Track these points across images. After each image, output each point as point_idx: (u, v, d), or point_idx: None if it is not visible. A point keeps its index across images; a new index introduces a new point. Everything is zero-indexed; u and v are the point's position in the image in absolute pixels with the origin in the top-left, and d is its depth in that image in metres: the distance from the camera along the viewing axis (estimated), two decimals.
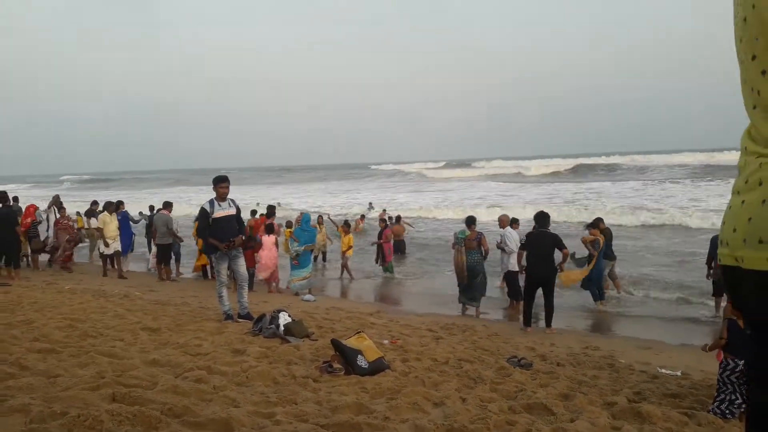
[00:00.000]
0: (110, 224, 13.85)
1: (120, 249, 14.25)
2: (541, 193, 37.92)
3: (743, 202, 1.06)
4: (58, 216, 14.83)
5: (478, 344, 7.45)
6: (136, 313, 7.88)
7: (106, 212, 14.04)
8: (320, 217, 17.39)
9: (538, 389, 5.08)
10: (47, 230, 14.79)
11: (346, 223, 15.73)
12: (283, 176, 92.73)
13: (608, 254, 11.35)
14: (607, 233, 11.48)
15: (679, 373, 6.30)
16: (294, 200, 40.24)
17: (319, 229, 15.69)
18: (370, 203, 28.87)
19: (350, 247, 14.89)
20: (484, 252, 10.63)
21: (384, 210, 21.19)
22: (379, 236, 15.35)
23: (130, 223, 15.81)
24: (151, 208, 16.91)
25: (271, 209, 14.38)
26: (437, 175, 68.93)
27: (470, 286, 10.65)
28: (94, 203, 17.34)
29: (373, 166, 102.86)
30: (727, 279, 1.16)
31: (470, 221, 10.90)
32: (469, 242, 10.63)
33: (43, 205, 16.62)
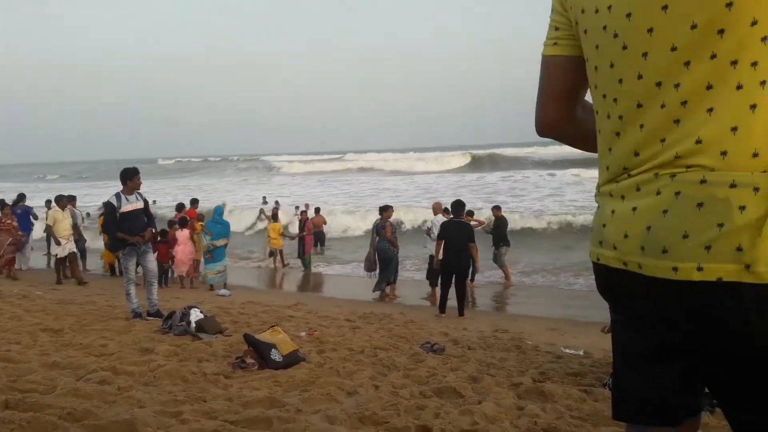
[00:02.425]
0: (62, 222, 12.26)
1: (75, 250, 12.71)
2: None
3: (634, 208, 1.09)
4: None
5: (394, 332, 7.57)
6: (36, 313, 7.45)
7: (56, 208, 12.48)
8: (275, 209, 17.33)
9: (448, 373, 5.23)
10: None
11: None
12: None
13: (504, 241, 11.99)
14: (503, 220, 12.16)
15: (581, 353, 6.67)
16: (164, 197, 34.00)
17: (268, 222, 15.67)
18: (264, 197, 28.44)
19: (281, 235, 14.93)
20: (389, 239, 11.09)
21: (301, 207, 20.80)
22: (301, 228, 15.25)
23: (31, 218, 14.78)
24: (48, 202, 15.94)
25: (180, 205, 14.04)
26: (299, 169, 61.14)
27: (382, 271, 11.19)
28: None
29: (194, 159, 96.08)
30: (607, 278, 1.20)
31: (382, 209, 11.48)
32: (380, 230, 11.31)
33: None
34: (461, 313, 9.29)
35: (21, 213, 13.91)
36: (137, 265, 7.80)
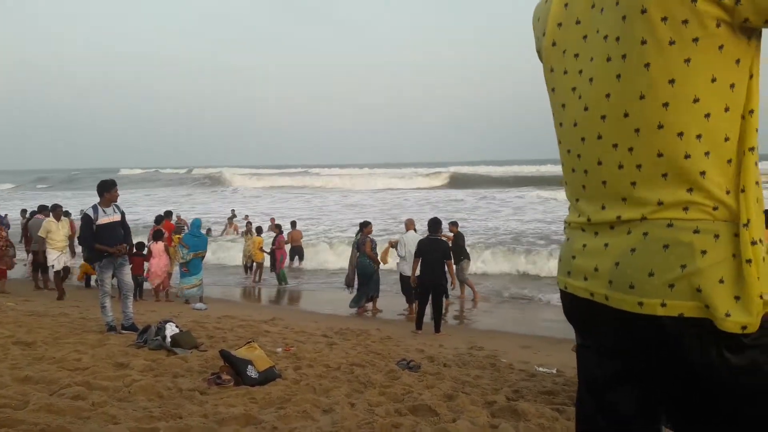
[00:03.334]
0: (57, 232, 11.55)
1: (69, 264, 12.15)
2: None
3: (606, 245, 1.17)
4: None
5: (371, 348, 7.60)
6: (8, 325, 7.32)
7: (50, 218, 11.77)
8: (249, 223, 17.27)
9: (424, 391, 5.28)
10: None
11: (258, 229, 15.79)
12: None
13: (463, 254, 12.13)
14: (460, 236, 12.31)
15: (554, 371, 6.77)
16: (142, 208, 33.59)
17: (247, 237, 15.60)
18: (233, 210, 28.29)
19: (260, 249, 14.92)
20: (368, 255, 11.17)
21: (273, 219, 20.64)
22: (273, 242, 15.18)
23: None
24: (24, 212, 15.71)
25: (159, 217, 13.95)
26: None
27: (361, 287, 11.27)
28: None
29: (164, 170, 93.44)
30: (573, 306, 1.28)
31: (362, 225, 11.63)
32: (360, 245, 11.44)
33: None
34: (437, 330, 9.34)
35: None
36: (113, 277, 7.75)
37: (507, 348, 8.18)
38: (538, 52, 1.36)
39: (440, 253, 9.56)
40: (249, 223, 17.74)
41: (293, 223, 17.90)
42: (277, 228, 16.13)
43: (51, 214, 11.93)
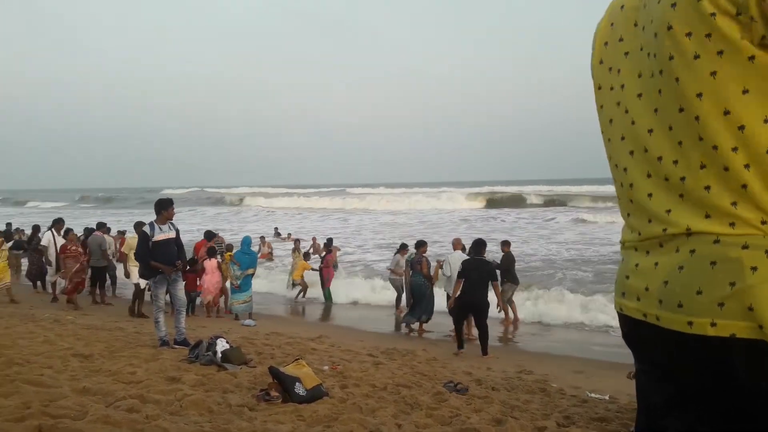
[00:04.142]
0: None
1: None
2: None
3: (656, 263, 1.15)
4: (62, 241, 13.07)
5: (417, 369, 7.55)
6: (68, 338, 7.61)
7: (134, 235, 11.72)
8: (297, 241, 17.51)
9: (472, 414, 5.21)
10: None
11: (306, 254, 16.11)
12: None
13: (513, 278, 11.86)
14: (510, 257, 12.04)
15: (607, 397, 6.56)
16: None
17: (295, 255, 15.85)
18: (276, 228, 28.44)
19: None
20: (424, 275, 11.14)
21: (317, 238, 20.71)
22: (321, 261, 15.36)
23: None
24: (86, 229, 16.35)
25: (210, 234, 14.29)
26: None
27: (415, 305, 11.21)
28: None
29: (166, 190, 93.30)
30: (630, 328, 1.25)
31: (418, 244, 11.66)
32: (415, 264, 11.42)
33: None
34: (484, 352, 9.15)
35: None
36: (167, 293, 7.97)
37: (557, 372, 7.98)
38: (591, 71, 1.39)
39: (485, 274, 9.40)
40: (297, 241, 17.96)
41: (330, 240, 17.96)
42: (324, 247, 16.35)
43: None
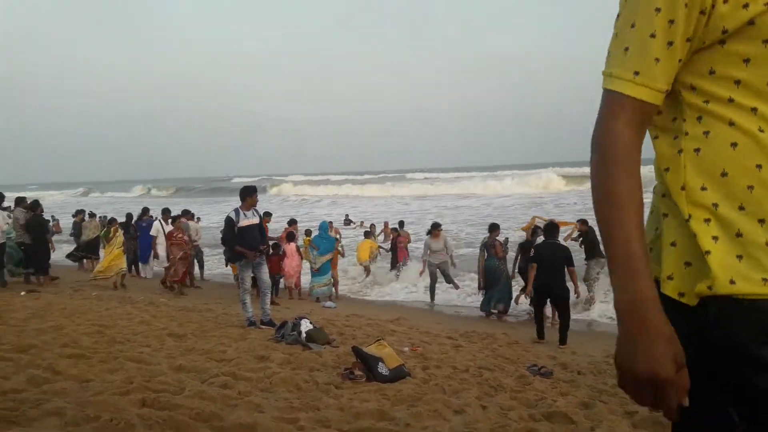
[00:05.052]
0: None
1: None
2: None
3: None
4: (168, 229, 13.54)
5: (499, 352, 7.47)
6: (162, 319, 8.05)
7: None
8: (372, 226, 17.70)
9: (558, 398, 5.11)
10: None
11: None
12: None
13: (599, 253, 11.19)
14: (592, 231, 11.34)
15: None
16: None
17: (372, 239, 16.03)
18: (347, 215, 28.54)
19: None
20: (499, 258, 10.94)
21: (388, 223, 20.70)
22: (394, 242, 15.43)
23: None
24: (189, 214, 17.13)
25: (291, 220, 14.73)
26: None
27: (492, 290, 10.99)
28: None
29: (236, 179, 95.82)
30: None
31: (491, 228, 11.45)
32: (489, 248, 11.22)
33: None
34: (563, 342, 8.50)
35: (146, 226, 15.11)
36: (252, 276, 8.28)
37: None
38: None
39: (561, 258, 8.79)
40: (372, 226, 18.22)
41: (401, 223, 17.92)
42: (394, 232, 16.46)
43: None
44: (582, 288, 10.84)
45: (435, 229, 12.60)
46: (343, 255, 14.33)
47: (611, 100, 1.07)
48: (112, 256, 12.88)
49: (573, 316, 10.10)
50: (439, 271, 12.55)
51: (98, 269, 13.03)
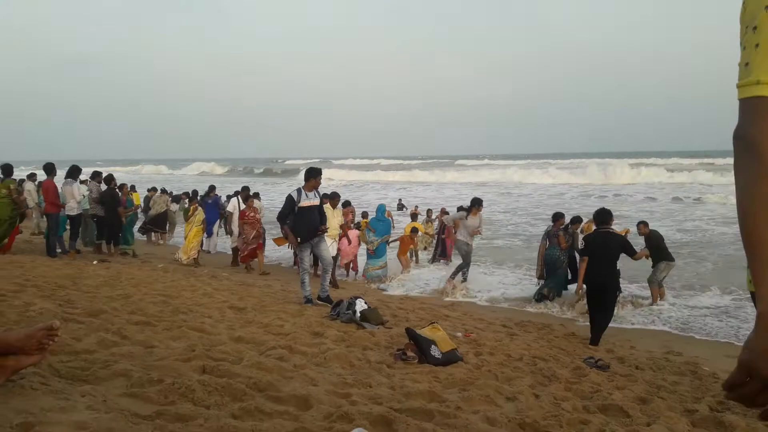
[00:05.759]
0: (332, 219, 11.36)
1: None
2: None
3: None
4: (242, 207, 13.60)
5: (554, 343, 7.36)
6: (223, 292, 8.32)
7: (327, 205, 12.00)
8: (429, 211, 17.77)
9: (614, 391, 5.00)
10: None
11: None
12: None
13: (666, 255, 10.64)
14: (655, 236, 10.81)
15: None
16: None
17: (428, 225, 16.08)
18: (400, 200, 28.32)
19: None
20: (562, 248, 10.71)
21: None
22: (441, 231, 15.28)
23: (218, 208, 16.28)
24: (229, 196, 17.58)
25: (346, 202, 14.89)
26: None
27: (549, 279, 10.83)
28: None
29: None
30: None
31: (555, 217, 11.19)
32: (552, 237, 11.03)
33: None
34: (594, 342, 7.79)
35: (211, 203, 15.58)
36: (310, 254, 8.43)
37: (708, 355, 7.40)
38: None
39: (614, 248, 7.88)
40: (429, 210, 18.24)
41: (443, 212, 17.76)
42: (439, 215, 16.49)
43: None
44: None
45: (476, 206, 11.71)
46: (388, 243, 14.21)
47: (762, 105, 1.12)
48: (192, 234, 13.07)
49: (635, 315, 9.78)
50: (465, 252, 11.85)
51: (184, 253, 12.88)
